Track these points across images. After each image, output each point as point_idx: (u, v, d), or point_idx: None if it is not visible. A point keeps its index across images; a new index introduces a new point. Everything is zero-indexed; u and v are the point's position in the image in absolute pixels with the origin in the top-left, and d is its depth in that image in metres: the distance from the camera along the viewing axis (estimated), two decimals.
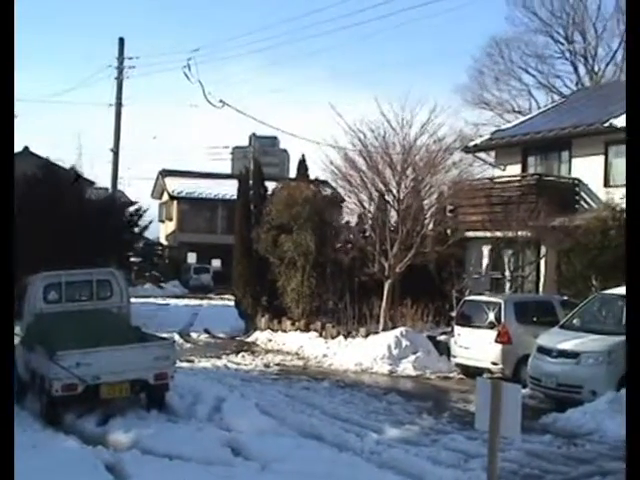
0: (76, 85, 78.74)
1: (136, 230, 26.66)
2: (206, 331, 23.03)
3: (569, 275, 17.46)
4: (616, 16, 37.11)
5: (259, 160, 27.16)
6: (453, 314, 17.34)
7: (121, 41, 31.34)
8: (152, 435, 9.53)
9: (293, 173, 27.64)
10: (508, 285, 19.58)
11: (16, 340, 12.92)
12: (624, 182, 17.80)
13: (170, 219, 51.42)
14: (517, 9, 40.24)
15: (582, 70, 39.52)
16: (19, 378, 12.28)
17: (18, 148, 31.28)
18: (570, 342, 12.31)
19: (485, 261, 21.00)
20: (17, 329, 12.92)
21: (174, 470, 8.30)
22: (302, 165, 23.62)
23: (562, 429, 10.68)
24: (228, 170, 67.08)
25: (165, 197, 52.38)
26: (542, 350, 12.62)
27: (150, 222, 27.87)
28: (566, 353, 12.20)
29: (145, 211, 27.13)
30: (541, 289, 19.36)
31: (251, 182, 24.04)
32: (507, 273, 19.79)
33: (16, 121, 18.18)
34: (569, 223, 17.75)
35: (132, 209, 26.81)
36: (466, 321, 15.76)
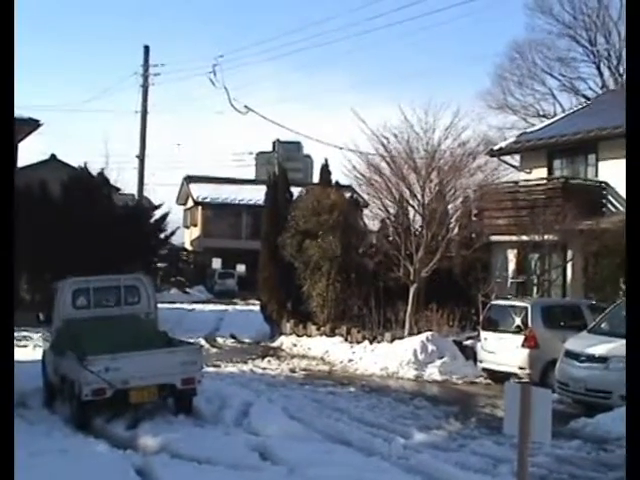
0: (101, 93, 79.62)
1: (162, 236, 26.83)
2: (232, 336, 23.12)
3: (597, 279, 17.32)
4: None
5: (283, 165, 27.19)
6: (479, 318, 17.26)
7: (146, 49, 31.67)
8: (180, 439, 9.59)
9: (317, 178, 27.70)
10: (535, 289, 19.44)
11: (46, 345, 13.13)
12: None
13: (195, 225, 51.72)
14: (536, 15, 40.03)
15: (606, 72, 39.19)
16: (49, 383, 12.46)
17: (45, 156, 31.70)
18: (599, 346, 12.20)
19: (511, 265, 20.88)
20: (46, 334, 13.11)
21: (203, 474, 8.36)
22: (325, 170, 23.66)
23: (591, 434, 10.59)
24: (252, 176, 67.43)
25: (190, 203, 52.69)
26: (570, 355, 12.53)
27: (177, 228, 28.04)
28: (595, 358, 12.08)
29: (167, 214, 27.24)
30: (568, 293, 19.20)
31: (277, 187, 24.08)
32: (533, 277, 19.66)
33: (42, 129, 18.43)
34: (596, 226, 17.59)
35: (157, 215, 27.00)
36: (492, 325, 15.69)
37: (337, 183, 23.01)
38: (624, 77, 37.94)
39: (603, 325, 13.09)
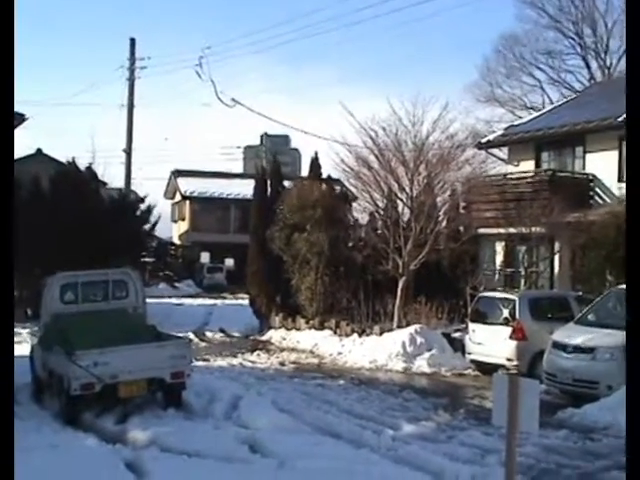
0: (88, 87, 79.51)
1: (147, 227, 26.63)
2: (221, 330, 23.11)
3: (584, 271, 17.41)
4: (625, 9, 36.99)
5: (277, 160, 27.04)
6: (467, 311, 17.33)
7: (132, 42, 31.49)
8: (170, 433, 9.60)
9: (305, 172, 27.68)
10: (522, 281, 19.53)
11: (34, 340, 13.08)
12: None
13: (183, 219, 51.59)
14: (525, 6, 40.14)
15: (594, 65, 39.36)
16: (37, 378, 12.42)
17: (31, 150, 31.48)
18: (586, 337, 12.29)
19: (499, 258, 20.97)
20: (35, 329, 13.07)
21: (193, 467, 8.37)
22: (315, 163, 23.61)
23: (578, 424, 10.68)
24: (240, 169, 67.35)
25: (178, 197, 52.53)
26: (557, 346, 12.61)
27: (159, 217, 27.76)
28: (582, 348, 12.18)
29: (154, 207, 27.06)
30: (555, 285, 19.30)
31: (269, 181, 24.05)
32: (521, 269, 19.75)
33: (28, 123, 18.27)
34: (583, 219, 17.68)
35: (143, 207, 26.84)
36: (480, 318, 15.76)
37: (329, 177, 23.00)
38: (612, 69, 38.15)
39: (590, 316, 13.19)
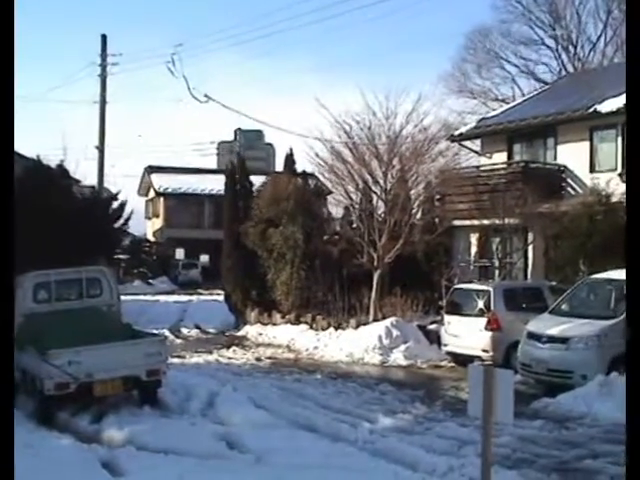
0: (60, 83, 78.61)
1: (120, 223, 26.33)
2: (196, 326, 22.99)
3: (557, 261, 17.58)
4: (596, 1, 37.45)
5: (243, 155, 27.02)
6: (442, 303, 17.41)
7: (104, 38, 31.13)
8: (146, 431, 9.53)
9: (279, 167, 27.63)
10: (496, 272, 19.67)
11: None
12: (609, 167, 17.95)
13: (157, 215, 51.23)
14: None
15: (565, 57, 39.64)
16: None
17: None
18: (559, 327, 12.40)
19: (473, 249, 21.08)
20: None
21: (170, 465, 8.30)
22: (289, 158, 23.60)
23: (553, 414, 10.76)
24: (214, 165, 67.02)
25: (151, 194, 52.15)
26: (532, 336, 12.71)
27: (132, 212, 27.47)
28: (556, 338, 12.28)
29: (125, 202, 26.73)
30: (529, 275, 19.46)
31: (237, 176, 24.00)
32: (495, 260, 19.88)
33: None
34: (556, 209, 17.84)
35: (116, 204, 26.54)
36: (456, 309, 15.83)
37: (304, 171, 22.97)
38: (582, 60, 38.50)
39: (563, 306, 13.31)
